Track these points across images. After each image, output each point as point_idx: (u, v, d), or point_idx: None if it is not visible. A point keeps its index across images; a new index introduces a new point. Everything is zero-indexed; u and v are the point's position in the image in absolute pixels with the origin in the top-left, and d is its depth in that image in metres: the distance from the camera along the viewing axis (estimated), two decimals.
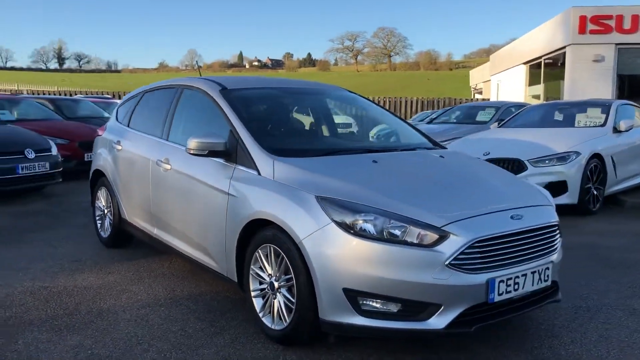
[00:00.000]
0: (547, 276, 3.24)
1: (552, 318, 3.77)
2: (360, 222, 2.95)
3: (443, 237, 2.90)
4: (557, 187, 6.90)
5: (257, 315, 3.42)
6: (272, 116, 4.26)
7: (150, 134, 4.73)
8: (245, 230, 3.45)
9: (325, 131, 4.36)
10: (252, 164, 3.55)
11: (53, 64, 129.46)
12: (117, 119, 5.52)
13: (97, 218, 5.62)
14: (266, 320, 3.36)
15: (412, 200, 3.09)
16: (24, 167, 7.85)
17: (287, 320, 3.20)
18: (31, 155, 7.98)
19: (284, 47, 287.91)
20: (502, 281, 2.98)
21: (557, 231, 3.39)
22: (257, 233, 3.36)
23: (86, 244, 5.54)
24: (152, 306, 3.90)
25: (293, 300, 3.14)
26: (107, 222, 5.39)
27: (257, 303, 3.43)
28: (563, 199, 6.92)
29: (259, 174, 3.48)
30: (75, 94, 24.91)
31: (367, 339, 3.27)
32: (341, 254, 2.94)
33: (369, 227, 2.94)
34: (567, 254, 4.13)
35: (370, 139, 4.62)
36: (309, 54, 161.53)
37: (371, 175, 3.41)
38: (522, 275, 3.08)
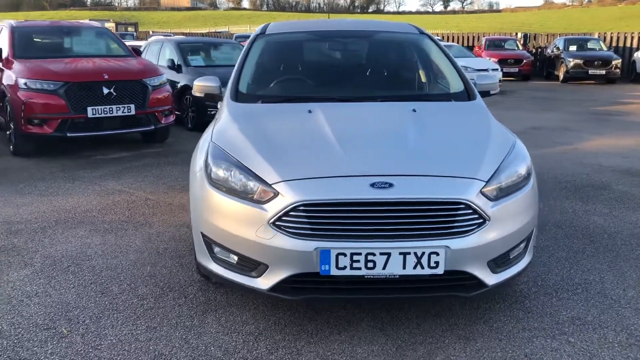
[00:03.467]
0: (437, 263, 2.65)
1: (504, 320, 3.01)
2: (218, 171, 2.97)
3: (276, 195, 2.72)
4: None
5: None
6: (278, 62, 4.25)
7: None
8: None
9: (331, 76, 4.13)
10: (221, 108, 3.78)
11: (439, 7, 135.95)
12: None
13: None
14: None
15: (278, 156, 2.93)
16: None
17: None
18: None
19: None
20: (342, 254, 2.62)
21: (464, 212, 2.68)
22: None
23: None
24: (175, 227, 4.53)
25: None
26: None
27: None
28: None
29: (218, 118, 3.69)
30: None
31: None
32: (201, 199, 3.04)
33: (222, 177, 2.94)
34: None
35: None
36: None
37: (282, 126, 3.30)
38: (382, 253, 2.63)
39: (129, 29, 37.43)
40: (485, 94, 4.07)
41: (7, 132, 7.50)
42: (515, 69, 20.35)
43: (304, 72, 4.19)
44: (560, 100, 14.45)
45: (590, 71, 19.30)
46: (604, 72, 19.35)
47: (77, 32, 8.68)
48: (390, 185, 2.67)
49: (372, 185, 2.67)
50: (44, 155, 7.26)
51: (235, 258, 2.89)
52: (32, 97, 6.86)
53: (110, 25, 37.54)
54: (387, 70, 4.22)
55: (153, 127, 7.66)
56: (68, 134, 6.99)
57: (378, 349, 2.76)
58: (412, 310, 3.11)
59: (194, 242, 3.16)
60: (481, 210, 2.70)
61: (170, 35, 23.99)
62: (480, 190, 2.74)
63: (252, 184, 2.81)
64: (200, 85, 4.02)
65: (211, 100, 5.04)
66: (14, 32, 7.97)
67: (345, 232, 2.63)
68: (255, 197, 2.78)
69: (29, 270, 3.68)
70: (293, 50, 4.37)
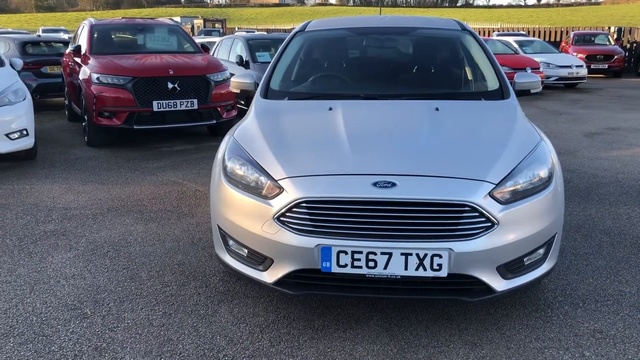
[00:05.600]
0: (440, 265, 2.60)
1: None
2: (232, 166, 3.06)
3: (281, 191, 2.77)
4: None
5: None
6: (312, 59, 4.26)
7: None
8: None
9: (361, 73, 4.10)
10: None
11: (532, 0, 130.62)
12: None
13: None
14: None
15: (287, 153, 2.98)
16: None
17: None
18: None
19: None
20: (343, 252, 2.63)
21: (469, 214, 2.60)
22: None
23: None
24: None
25: None
26: None
27: None
28: None
29: (247, 114, 3.79)
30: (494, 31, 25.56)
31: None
32: (217, 193, 3.14)
33: (235, 171, 3.03)
34: None
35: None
36: None
37: (298, 123, 3.38)
38: (384, 253, 2.61)
39: (216, 25, 38.64)
40: (524, 92, 3.92)
41: (83, 124, 8.00)
42: (604, 65, 19.28)
43: (335, 69, 4.19)
44: None
45: None
46: None
47: (150, 29, 9.11)
48: (393, 184, 2.64)
49: (375, 184, 2.65)
50: (115, 146, 7.69)
51: (246, 251, 2.96)
52: (103, 91, 7.28)
53: (198, 22, 38.96)
54: (419, 68, 4.15)
55: (215, 122, 7.91)
56: (135, 127, 7.37)
57: (379, 348, 2.75)
58: (424, 312, 3.07)
59: (213, 234, 3.27)
60: (488, 213, 2.62)
61: (254, 32, 24.69)
62: (489, 193, 2.65)
63: (261, 180, 2.87)
64: (236, 82, 4.13)
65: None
66: (92, 29, 8.48)
67: (346, 230, 2.63)
68: (263, 192, 2.83)
69: (72, 254, 3.93)
70: (328, 48, 4.39)
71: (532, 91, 3.93)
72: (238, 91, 4.15)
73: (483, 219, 2.62)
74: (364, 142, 3.02)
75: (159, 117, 7.49)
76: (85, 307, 3.17)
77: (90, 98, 7.34)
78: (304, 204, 2.67)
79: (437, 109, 3.38)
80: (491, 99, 3.63)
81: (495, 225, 2.64)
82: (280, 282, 2.80)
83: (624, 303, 3.19)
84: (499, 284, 2.72)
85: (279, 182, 2.78)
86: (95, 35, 8.40)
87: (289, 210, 2.70)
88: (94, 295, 3.32)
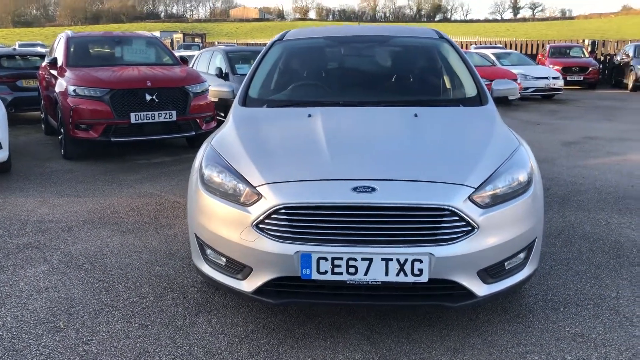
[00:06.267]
0: (420, 270, 2.57)
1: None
2: (209, 173, 3.01)
3: (259, 198, 2.73)
4: None
5: None
6: (290, 67, 4.26)
7: None
8: None
9: (339, 81, 4.11)
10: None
11: (508, 15, 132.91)
12: None
13: None
14: None
15: (266, 159, 2.94)
16: None
17: None
18: None
19: None
20: (323, 258, 2.59)
21: (449, 218, 2.59)
22: None
23: None
24: None
25: None
26: None
27: None
28: None
29: (225, 122, 3.75)
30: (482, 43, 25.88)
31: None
32: (194, 201, 3.09)
33: (212, 179, 2.98)
34: None
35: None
36: None
37: (277, 130, 3.35)
38: (364, 259, 2.58)
39: (196, 39, 38.60)
40: (503, 99, 3.94)
41: (59, 137, 7.87)
42: (580, 77, 19.59)
43: (314, 77, 4.19)
44: (626, 109, 13.75)
45: None
46: None
47: (127, 41, 9.04)
48: (373, 189, 2.62)
49: (354, 189, 2.62)
50: (92, 158, 7.58)
51: (224, 260, 2.91)
52: (79, 104, 7.18)
53: (177, 37, 38.89)
54: (398, 75, 4.15)
55: (194, 133, 7.84)
56: (112, 139, 7.27)
57: (360, 356, 2.70)
58: (406, 319, 3.03)
59: (190, 244, 3.20)
60: (468, 217, 2.60)
61: (233, 46, 24.73)
62: (469, 197, 2.64)
63: (240, 187, 2.82)
64: (215, 91, 4.10)
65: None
66: (69, 42, 8.39)
67: (326, 236, 2.60)
68: (242, 199, 2.79)
69: (46, 267, 3.83)
70: (306, 56, 4.38)
71: (509, 98, 3.95)
72: (216, 99, 4.12)
73: (463, 223, 2.61)
74: (343, 148, 3.00)
75: (137, 129, 7.39)
76: (59, 321, 3.08)
77: (67, 110, 7.23)
78: (283, 210, 2.63)
79: (415, 115, 3.37)
80: (471, 105, 3.64)
81: (476, 230, 2.62)
82: (259, 290, 2.75)
83: (604, 307, 3.19)
84: (480, 289, 2.70)
85: (257, 188, 2.74)
86: (72, 48, 8.30)
87: (268, 216, 2.66)
88: (68, 308, 3.23)
